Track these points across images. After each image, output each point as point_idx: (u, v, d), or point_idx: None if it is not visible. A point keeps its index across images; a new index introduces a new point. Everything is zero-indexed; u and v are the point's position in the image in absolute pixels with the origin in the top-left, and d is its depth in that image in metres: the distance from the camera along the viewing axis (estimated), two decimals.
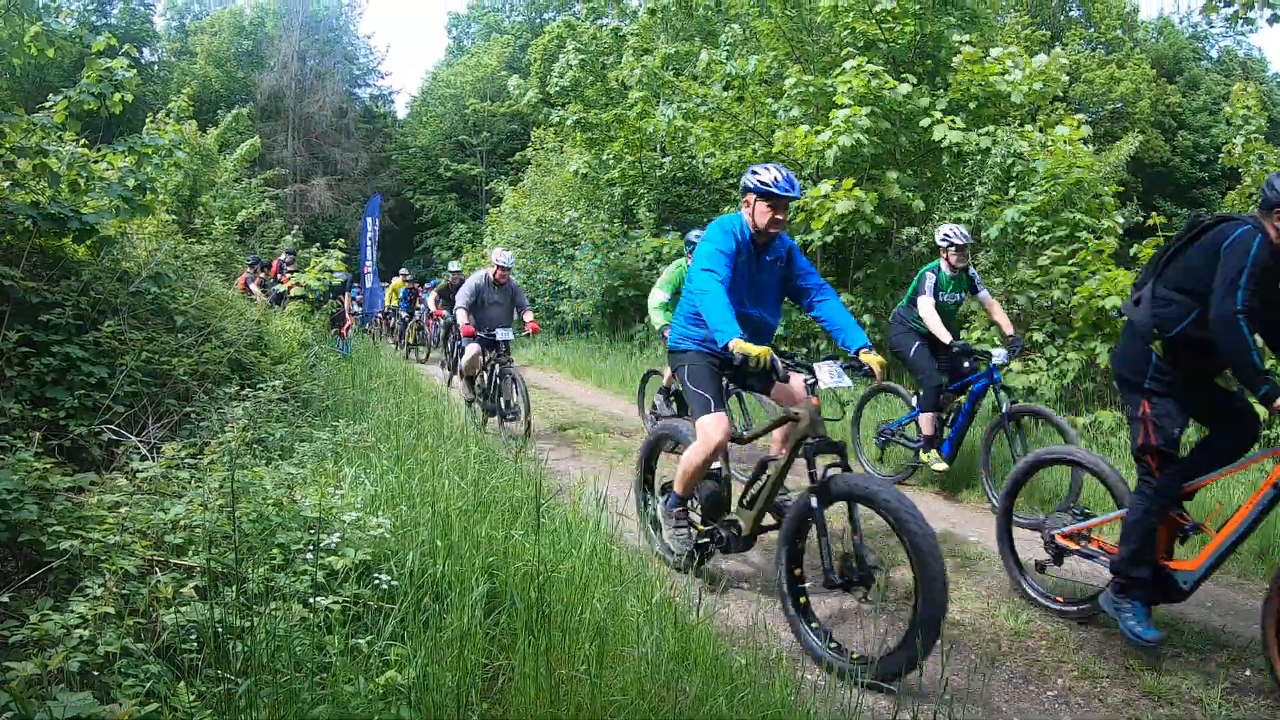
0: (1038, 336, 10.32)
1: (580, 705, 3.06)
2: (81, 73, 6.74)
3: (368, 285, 22.61)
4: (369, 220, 23.66)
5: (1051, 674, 4.36)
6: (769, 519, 4.97)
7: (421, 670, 3.07)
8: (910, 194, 11.94)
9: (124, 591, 3.14)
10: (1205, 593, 4.98)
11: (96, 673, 2.77)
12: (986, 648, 4.61)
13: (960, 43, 12.71)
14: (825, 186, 11.70)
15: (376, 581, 3.59)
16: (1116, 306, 9.23)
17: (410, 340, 22.40)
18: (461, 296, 10.17)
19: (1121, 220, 11.06)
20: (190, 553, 3.53)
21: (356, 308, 21.78)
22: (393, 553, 3.92)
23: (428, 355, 21.46)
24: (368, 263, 22.88)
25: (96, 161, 6.70)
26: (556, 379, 17.42)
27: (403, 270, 27.14)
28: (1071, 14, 43.40)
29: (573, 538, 4.61)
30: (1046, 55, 12.46)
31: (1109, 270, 9.93)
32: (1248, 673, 4.37)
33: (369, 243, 23.03)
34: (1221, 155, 11.54)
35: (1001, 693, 4.15)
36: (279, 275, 15.70)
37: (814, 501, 4.32)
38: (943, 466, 7.87)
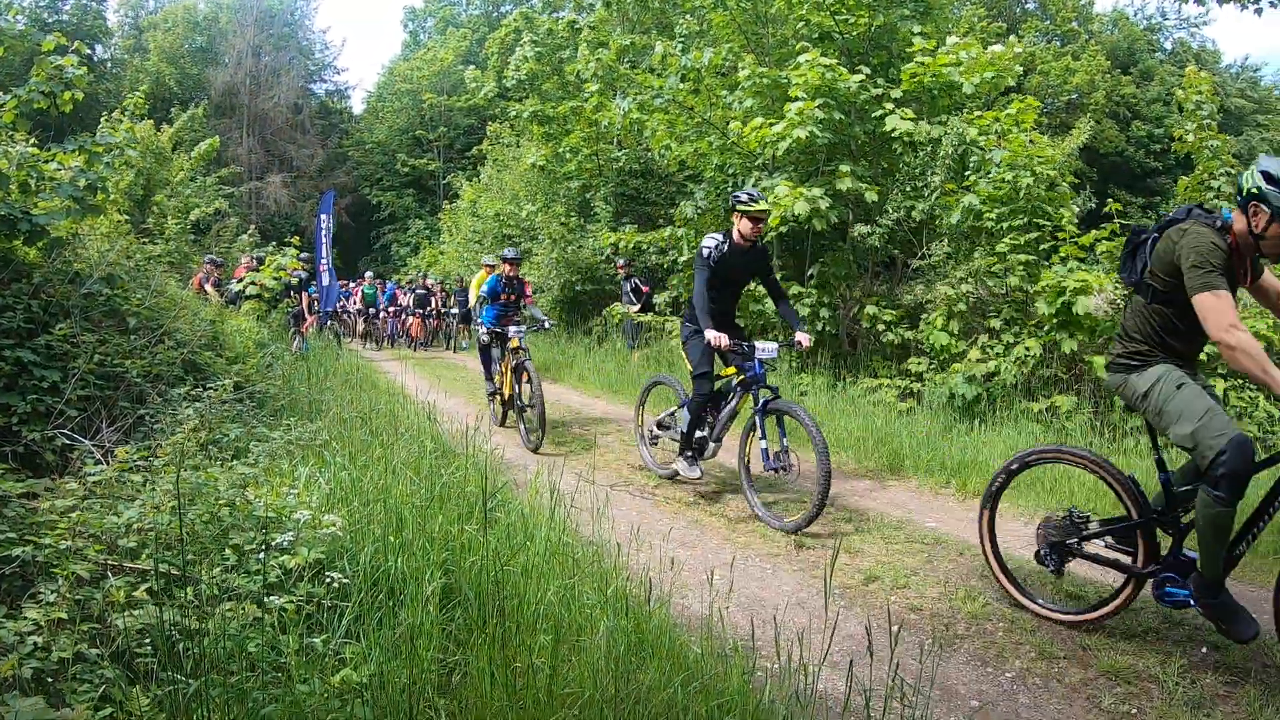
0: (995, 324, 10.43)
1: (536, 698, 3.07)
2: (32, 71, 6.65)
3: (324, 283, 22.38)
4: (323, 217, 23.45)
5: (1009, 655, 4.41)
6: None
7: (378, 668, 3.07)
8: (865, 185, 12.01)
9: (77, 597, 3.12)
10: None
11: (50, 679, 2.76)
12: (943, 632, 4.66)
13: (913, 33, 12.79)
14: (782, 188, 11.75)
15: (329, 580, 3.58)
16: (1085, 308, 9.37)
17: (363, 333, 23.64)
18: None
19: (1077, 208, 11.19)
20: (144, 556, 3.51)
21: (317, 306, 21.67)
22: (345, 550, 3.92)
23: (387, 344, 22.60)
24: (323, 260, 22.65)
25: (47, 161, 6.61)
26: None
27: (368, 272, 27.55)
28: (1027, 6, 43.80)
29: (528, 531, 4.62)
30: (1002, 46, 12.57)
31: (1071, 265, 10.06)
32: (1204, 650, 4.44)
33: (324, 240, 22.82)
34: (1174, 144, 11.68)
35: (959, 675, 4.20)
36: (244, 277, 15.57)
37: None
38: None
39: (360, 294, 27.29)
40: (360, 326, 27.05)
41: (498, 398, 10.69)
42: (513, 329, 9.89)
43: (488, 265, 15.88)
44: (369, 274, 27.79)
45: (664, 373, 10.03)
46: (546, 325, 10.84)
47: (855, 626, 4.60)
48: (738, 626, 4.35)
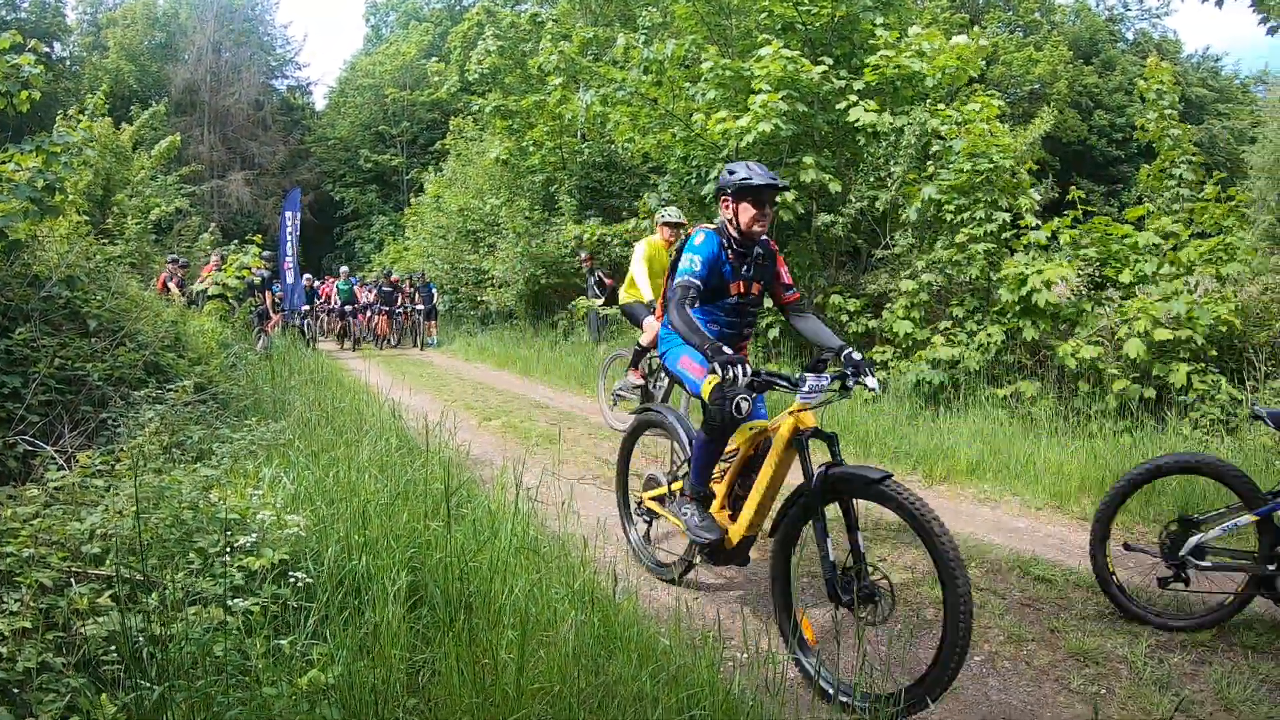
0: (958, 312, 10.51)
1: (505, 693, 3.07)
2: None
3: (288, 281, 22.21)
4: (288, 215, 23.24)
5: (978, 639, 4.45)
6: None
7: (345, 668, 3.06)
8: (828, 176, 12.06)
9: (42, 605, 3.09)
10: (1128, 556, 5.10)
11: (16, 689, 2.73)
12: (911, 617, 4.70)
13: (875, 25, 12.85)
14: None
15: (294, 580, 3.57)
16: (1048, 299, 9.46)
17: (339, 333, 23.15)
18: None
19: (1038, 197, 11.28)
20: (108, 562, 3.48)
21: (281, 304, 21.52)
22: (310, 550, 3.90)
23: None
24: (288, 258, 22.47)
25: (4, 162, 6.51)
26: (481, 369, 17.40)
27: (343, 268, 27.00)
28: None
29: (494, 526, 4.62)
30: (967, 37, 12.64)
31: (1032, 254, 10.15)
32: (1171, 631, 4.52)
33: (289, 237, 22.63)
34: (1136, 133, 11.79)
35: (928, 660, 4.24)
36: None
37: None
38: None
39: (335, 290, 26.17)
40: (338, 326, 26.10)
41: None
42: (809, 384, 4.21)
43: (671, 224, 9.45)
44: (344, 270, 26.82)
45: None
46: None
47: (825, 615, 4.63)
48: (706, 617, 4.38)
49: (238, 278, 10.67)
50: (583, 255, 18.13)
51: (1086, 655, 4.26)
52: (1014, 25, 42.36)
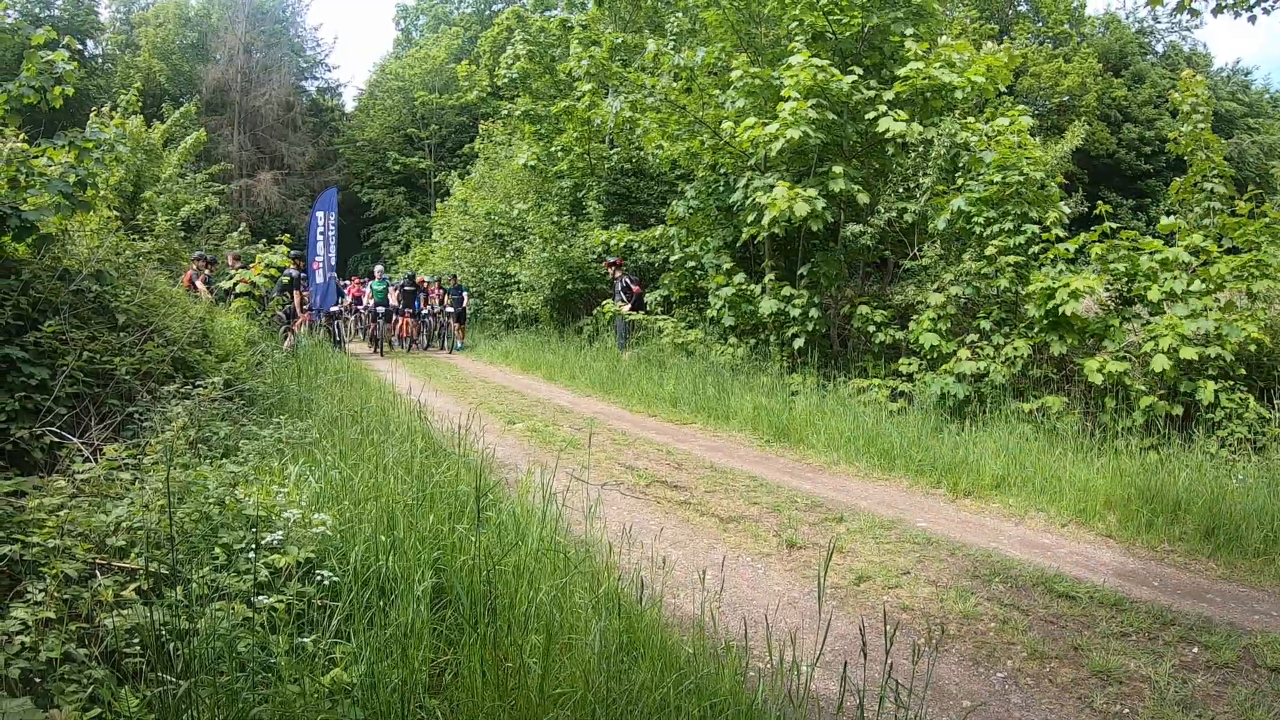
0: (985, 324, 10.44)
1: (528, 698, 3.06)
2: (22, 66, 6.61)
3: (317, 281, 22.20)
4: (319, 214, 23.21)
5: (1001, 656, 4.41)
6: None
7: (368, 668, 3.05)
8: (857, 187, 12.01)
9: (66, 596, 3.10)
10: (1152, 572, 5.06)
11: (38, 679, 2.73)
12: (934, 632, 4.66)
13: (906, 36, 12.80)
14: (780, 189, 11.72)
15: (320, 579, 3.56)
16: (1075, 310, 9.37)
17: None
18: None
19: (1068, 210, 11.20)
20: (133, 555, 3.48)
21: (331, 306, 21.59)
22: (336, 549, 3.90)
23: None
24: (318, 258, 22.46)
25: (37, 157, 6.56)
26: (507, 373, 17.40)
27: (378, 267, 26.57)
28: (1019, 8, 43.91)
29: (520, 530, 4.61)
30: (996, 44, 12.58)
31: (1060, 268, 10.08)
32: (1195, 650, 4.46)
33: (319, 237, 22.63)
34: (1168, 145, 11.69)
35: (950, 675, 4.20)
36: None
37: None
38: None
39: (369, 291, 24.71)
40: (372, 327, 23.93)
41: None
42: None
43: None
44: (379, 269, 25.99)
45: None
46: None
47: (846, 626, 4.60)
48: (729, 626, 4.35)
49: (267, 276, 10.71)
50: (609, 260, 18.09)
51: (1110, 674, 4.21)
52: (1043, 37, 42.21)
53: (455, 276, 24.70)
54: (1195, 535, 6.21)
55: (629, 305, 16.75)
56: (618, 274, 17.61)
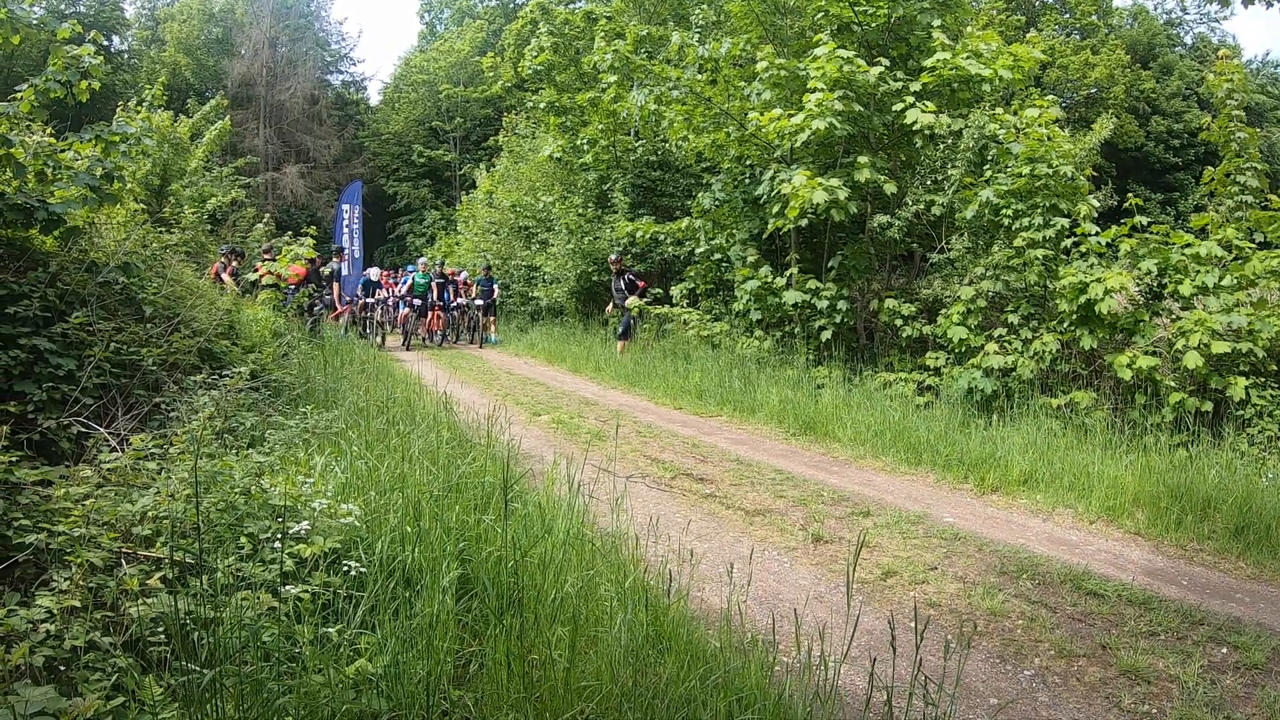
0: (1013, 318, 10.34)
1: (554, 690, 3.04)
2: (49, 60, 6.64)
3: (343, 274, 22.22)
4: (345, 207, 23.25)
5: (1028, 653, 4.37)
6: None
7: (393, 659, 3.04)
8: (883, 178, 11.93)
9: (91, 584, 3.10)
10: (1181, 570, 5.00)
11: (62, 667, 2.74)
12: (962, 628, 4.61)
13: (933, 26, 12.70)
14: (799, 178, 11.65)
15: (346, 569, 3.56)
16: (1109, 306, 9.25)
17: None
18: None
19: (1096, 204, 11.08)
20: (158, 544, 3.49)
21: (348, 296, 21.53)
22: (362, 540, 3.89)
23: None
24: (344, 250, 22.50)
25: (64, 151, 6.59)
26: (532, 365, 17.41)
27: (421, 259, 25.45)
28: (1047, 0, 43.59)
29: (545, 522, 4.59)
30: (1028, 42, 12.46)
31: (1091, 261, 9.97)
32: (1224, 650, 4.40)
33: (345, 230, 22.69)
34: (1200, 133, 11.52)
35: (978, 673, 4.16)
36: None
37: None
38: None
39: (411, 282, 22.70)
40: (411, 323, 22.62)
41: None
42: None
43: None
44: (423, 260, 23.99)
45: None
46: None
47: (873, 621, 4.56)
48: (756, 620, 4.32)
49: (309, 265, 10.71)
50: (612, 257, 17.87)
51: (1138, 673, 4.15)
52: (1071, 28, 41.89)
53: (488, 267, 24.11)
54: (1224, 534, 6.13)
55: (631, 298, 16.65)
56: (619, 270, 17.45)
